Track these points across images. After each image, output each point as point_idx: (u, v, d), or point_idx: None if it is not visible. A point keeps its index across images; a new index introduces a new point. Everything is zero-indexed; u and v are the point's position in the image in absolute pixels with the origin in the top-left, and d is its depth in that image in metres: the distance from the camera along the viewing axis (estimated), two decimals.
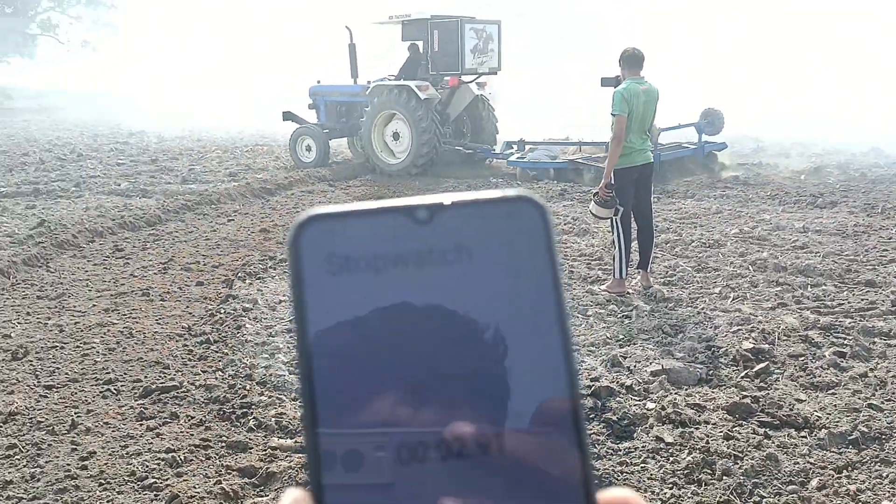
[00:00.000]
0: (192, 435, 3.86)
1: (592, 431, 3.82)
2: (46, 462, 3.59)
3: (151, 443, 3.76)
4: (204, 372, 4.68)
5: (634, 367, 4.59)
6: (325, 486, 0.34)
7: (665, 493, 3.29)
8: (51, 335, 5.33)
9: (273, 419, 3.98)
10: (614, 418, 3.93)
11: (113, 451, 3.68)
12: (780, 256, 6.87)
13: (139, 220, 9.18)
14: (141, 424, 3.98)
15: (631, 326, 5.33)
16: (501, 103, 14.57)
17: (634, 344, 5.00)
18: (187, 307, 6.00)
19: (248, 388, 4.40)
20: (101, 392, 4.38)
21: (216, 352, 5.02)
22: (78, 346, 5.11)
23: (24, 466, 3.57)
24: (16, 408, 4.14)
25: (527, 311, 0.36)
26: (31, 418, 4.04)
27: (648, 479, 3.41)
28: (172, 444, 3.74)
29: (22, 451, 3.70)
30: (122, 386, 4.47)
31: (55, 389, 4.44)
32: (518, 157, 12.52)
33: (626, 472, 3.46)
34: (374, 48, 18.81)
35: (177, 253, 7.72)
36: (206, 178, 12.67)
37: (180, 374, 4.64)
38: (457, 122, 13.57)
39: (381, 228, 0.36)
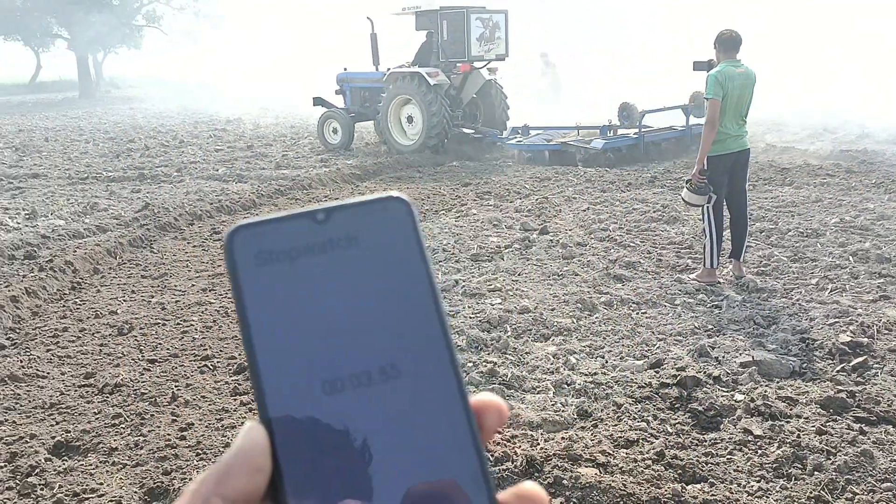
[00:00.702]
0: None
1: (677, 421, 3.77)
2: (149, 431, 3.81)
3: (244, 417, 3.93)
4: None
5: (723, 357, 4.49)
6: (272, 419, 0.44)
7: (752, 486, 3.22)
8: (153, 312, 5.62)
9: None
10: (700, 409, 3.86)
11: (209, 424, 3.87)
12: (884, 247, 6.55)
13: (235, 204, 9.53)
14: (235, 399, 4.16)
15: (721, 316, 5.21)
16: (517, 90, 14.97)
17: (724, 334, 4.88)
18: None
19: None
20: (199, 367, 4.60)
21: None
22: (178, 324, 5.37)
23: (129, 435, 3.79)
24: (121, 380, 4.39)
25: (403, 280, 0.47)
26: (135, 390, 4.29)
27: (735, 471, 3.35)
28: None
29: (127, 421, 3.93)
30: (218, 362, 4.68)
31: (157, 363, 4.68)
32: (517, 142, 13.06)
33: (712, 464, 3.40)
34: (398, 37, 19.24)
35: None
36: (298, 164, 13.00)
37: None
38: (470, 106, 14.30)
39: (292, 230, 0.48)
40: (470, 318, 5.30)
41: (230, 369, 4.57)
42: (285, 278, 0.47)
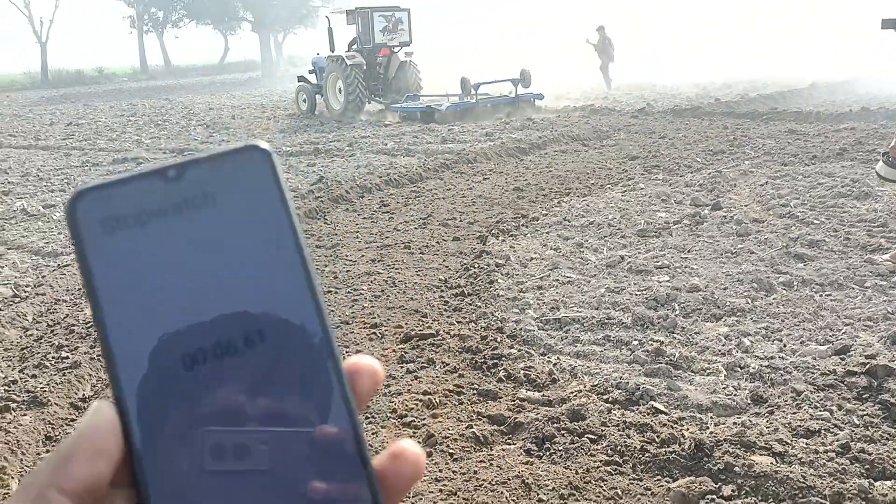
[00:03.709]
0: (447, 381, 4.09)
1: (865, 412, 3.48)
2: None
3: (410, 385, 4.05)
4: (458, 322, 4.92)
5: None
6: (126, 398, 0.42)
7: None
8: (327, 281, 5.90)
9: (522, 372, 4.09)
10: (892, 400, 3.54)
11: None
12: None
13: (403, 178, 9.78)
14: (402, 367, 4.29)
15: None
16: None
17: None
18: (444, 261, 6.32)
19: (498, 340, 4.56)
20: (368, 335, 4.79)
21: (470, 304, 5.25)
22: (349, 292, 5.60)
23: None
24: None
25: (265, 238, 0.45)
26: None
27: None
28: (429, 388, 3.99)
29: None
30: (385, 331, 4.84)
31: None
32: (399, 106, 17.25)
33: None
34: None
35: (435, 209, 8.13)
36: (463, 139, 13.15)
37: (437, 323, 4.92)
38: (395, 80, 19.01)
39: (141, 191, 0.44)
40: (636, 294, 5.16)
41: (397, 338, 4.72)
42: (136, 244, 0.43)
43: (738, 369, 4.01)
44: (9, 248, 7.34)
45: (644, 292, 5.17)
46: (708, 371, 4.03)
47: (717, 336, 4.45)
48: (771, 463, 3.07)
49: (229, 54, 63.28)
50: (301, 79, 20.14)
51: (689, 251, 6.05)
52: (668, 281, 5.38)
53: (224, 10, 54.78)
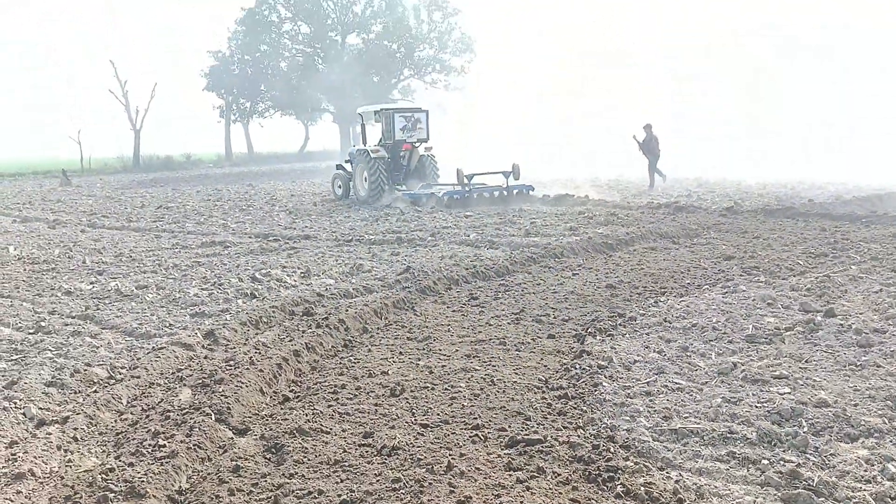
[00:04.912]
0: (561, 493, 3.79)
1: None
2: (428, 500, 3.75)
3: (523, 496, 3.76)
4: (565, 428, 4.63)
5: None
6: None
7: None
8: (422, 375, 5.71)
9: (642, 488, 3.77)
10: None
11: (487, 499, 3.74)
12: None
13: (489, 271, 9.65)
14: (510, 475, 4.01)
15: None
16: None
17: None
18: (542, 359, 6.07)
19: (611, 450, 4.25)
20: (470, 436, 4.54)
21: (574, 408, 4.96)
22: (446, 389, 5.39)
23: (409, 501, 3.77)
24: (398, 442, 4.43)
25: None
26: (410, 454, 4.29)
27: None
28: (543, 501, 3.70)
29: (406, 486, 3.91)
30: (488, 433, 4.58)
31: (430, 428, 4.69)
32: (408, 193, 20.12)
33: None
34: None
35: (527, 304, 7.92)
36: (547, 232, 13.03)
37: (542, 427, 4.64)
38: (415, 171, 21.66)
39: None
40: (756, 406, 4.79)
41: (501, 441, 4.45)
42: None
43: (889, 500, 3.60)
44: (103, 328, 7.41)
45: (765, 404, 4.81)
46: (854, 500, 3.63)
47: (856, 459, 4.05)
48: None
49: (309, 143, 65.67)
50: (339, 167, 23.19)
51: (807, 361, 5.66)
52: (789, 393, 5.00)
53: (308, 102, 57.19)
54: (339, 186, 22.68)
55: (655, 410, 4.82)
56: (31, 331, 7.34)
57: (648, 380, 5.43)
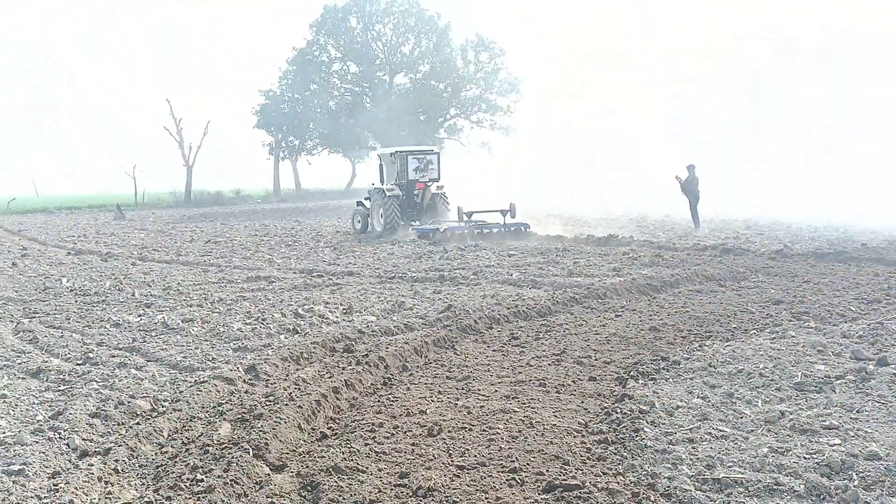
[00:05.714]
0: None
1: None
2: None
3: None
4: (604, 474, 4.53)
5: None
6: None
7: None
8: (460, 416, 5.66)
9: None
10: None
11: None
12: None
13: (531, 311, 9.59)
14: None
15: None
16: None
17: None
18: (582, 402, 5.98)
19: (652, 498, 4.14)
20: (507, 480, 4.47)
21: (615, 453, 4.86)
22: (484, 430, 5.33)
23: None
24: (433, 483, 4.39)
25: None
26: (447, 496, 4.24)
27: None
28: None
29: None
30: (526, 476, 4.51)
31: (466, 470, 4.63)
32: (415, 227, 21.92)
33: None
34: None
35: (568, 345, 7.84)
36: (590, 272, 12.91)
37: (581, 472, 4.55)
38: (428, 208, 23.50)
39: None
40: (804, 458, 4.63)
41: (538, 486, 4.38)
42: None
43: None
44: (148, 361, 7.53)
45: (813, 456, 4.64)
46: None
47: None
48: None
49: (356, 180, 66.52)
50: (359, 203, 24.93)
51: (858, 411, 5.47)
52: (839, 444, 4.83)
53: (355, 140, 58.14)
54: (359, 221, 24.34)
55: (698, 458, 4.69)
56: (79, 361, 7.50)
57: (691, 426, 5.30)
